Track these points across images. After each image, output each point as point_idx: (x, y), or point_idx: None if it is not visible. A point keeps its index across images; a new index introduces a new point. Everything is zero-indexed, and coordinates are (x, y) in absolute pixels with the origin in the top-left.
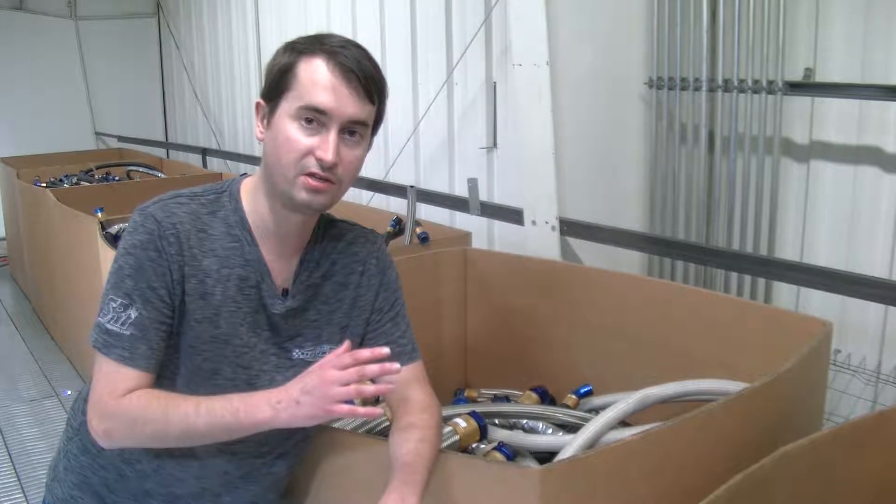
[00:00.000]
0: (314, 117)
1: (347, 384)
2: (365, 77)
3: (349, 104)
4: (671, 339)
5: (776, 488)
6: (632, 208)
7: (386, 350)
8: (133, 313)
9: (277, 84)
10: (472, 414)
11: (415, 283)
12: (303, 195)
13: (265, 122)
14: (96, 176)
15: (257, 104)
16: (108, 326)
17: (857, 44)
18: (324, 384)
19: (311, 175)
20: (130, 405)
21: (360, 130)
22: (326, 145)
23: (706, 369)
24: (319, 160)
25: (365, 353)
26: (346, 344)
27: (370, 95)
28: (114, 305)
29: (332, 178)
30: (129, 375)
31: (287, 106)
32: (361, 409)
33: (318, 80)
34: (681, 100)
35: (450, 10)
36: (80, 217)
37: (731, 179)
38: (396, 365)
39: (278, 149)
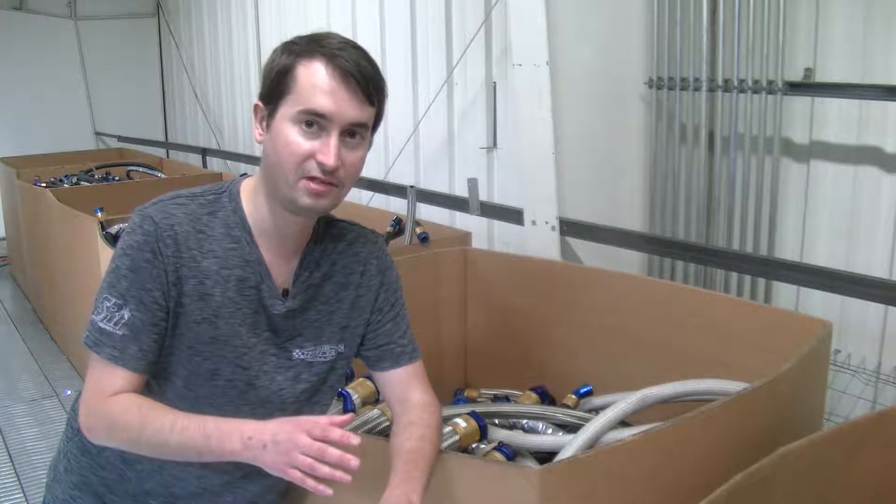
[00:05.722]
0: (314, 121)
1: (308, 455)
2: (364, 79)
3: (349, 108)
4: (671, 339)
5: (776, 488)
6: (632, 208)
7: (356, 440)
8: (126, 314)
9: (276, 87)
10: (472, 414)
11: (415, 283)
12: (305, 200)
13: (264, 124)
14: (96, 176)
15: (255, 106)
16: (101, 325)
17: (857, 44)
18: (291, 444)
19: (313, 179)
20: (112, 408)
21: (361, 132)
22: (328, 149)
23: (706, 369)
24: (321, 164)
25: (336, 433)
26: (334, 419)
27: (370, 98)
28: (108, 305)
29: (334, 181)
30: (117, 375)
31: (286, 110)
32: (311, 482)
33: (317, 83)
34: (681, 100)
35: (450, 10)
36: (80, 217)
37: (731, 179)
38: (356, 460)
39: (279, 153)
